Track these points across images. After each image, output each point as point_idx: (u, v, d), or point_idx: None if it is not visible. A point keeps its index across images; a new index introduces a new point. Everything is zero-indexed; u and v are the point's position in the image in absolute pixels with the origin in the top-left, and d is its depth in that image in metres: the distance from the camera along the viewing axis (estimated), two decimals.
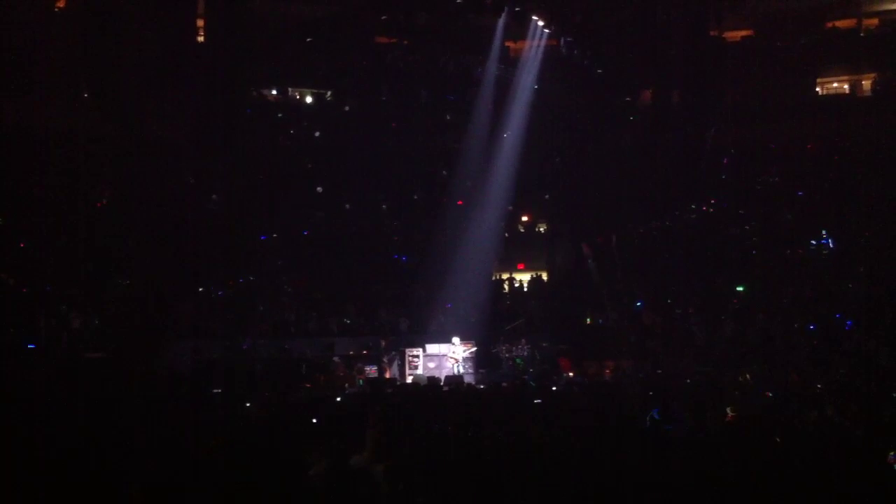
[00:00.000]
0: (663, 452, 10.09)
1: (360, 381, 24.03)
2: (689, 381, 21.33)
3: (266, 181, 30.13)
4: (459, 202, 31.46)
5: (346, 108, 33.17)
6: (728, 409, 14.14)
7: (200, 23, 31.16)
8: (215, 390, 17.61)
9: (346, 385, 23.66)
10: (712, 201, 32.43)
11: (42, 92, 25.59)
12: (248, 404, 17.37)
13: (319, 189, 32.66)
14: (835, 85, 36.20)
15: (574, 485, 9.12)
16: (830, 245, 29.77)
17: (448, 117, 32.70)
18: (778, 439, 10.88)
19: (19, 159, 24.30)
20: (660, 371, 23.82)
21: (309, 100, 34.45)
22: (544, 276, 34.19)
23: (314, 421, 12.53)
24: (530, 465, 9.75)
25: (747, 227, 31.63)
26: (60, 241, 24.99)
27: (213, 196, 29.86)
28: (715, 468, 9.29)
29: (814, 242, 30.19)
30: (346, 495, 8.53)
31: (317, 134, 32.91)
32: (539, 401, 19.49)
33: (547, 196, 34.52)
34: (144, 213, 26.89)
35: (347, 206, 32.80)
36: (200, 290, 27.54)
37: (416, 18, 30.18)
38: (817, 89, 35.56)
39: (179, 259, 26.40)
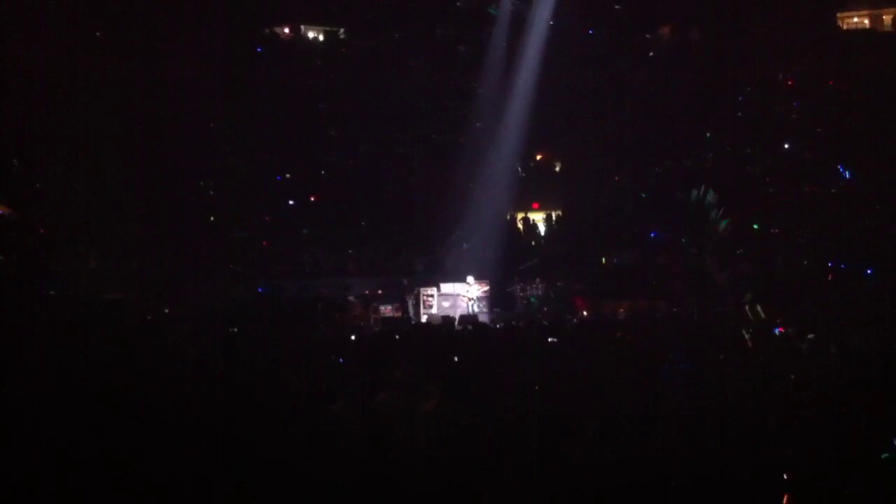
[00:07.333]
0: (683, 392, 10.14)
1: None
2: (705, 319, 21.21)
3: (281, 121, 29.87)
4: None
5: (362, 47, 32.64)
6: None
7: None
8: (235, 330, 17.62)
9: (362, 324, 23.72)
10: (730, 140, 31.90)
11: (56, 32, 25.35)
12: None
13: (333, 133, 32.29)
14: (855, 20, 35.57)
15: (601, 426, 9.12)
16: (847, 176, 29.09)
17: (462, 54, 32.22)
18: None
19: (33, 101, 24.09)
20: (676, 310, 23.67)
21: (321, 38, 34.01)
22: (559, 215, 33.95)
23: (336, 359, 12.51)
24: (556, 405, 9.71)
25: (765, 165, 31.16)
26: (77, 182, 24.88)
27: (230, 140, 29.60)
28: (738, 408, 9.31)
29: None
30: (377, 430, 8.60)
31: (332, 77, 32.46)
32: (553, 339, 19.41)
33: (565, 138, 33.97)
34: (161, 154, 26.77)
35: (360, 148, 32.40)
36: (218, 230, 27.48)
37: None
38: (838, 24, 34.94)
39: (197, 200, 26.35)
